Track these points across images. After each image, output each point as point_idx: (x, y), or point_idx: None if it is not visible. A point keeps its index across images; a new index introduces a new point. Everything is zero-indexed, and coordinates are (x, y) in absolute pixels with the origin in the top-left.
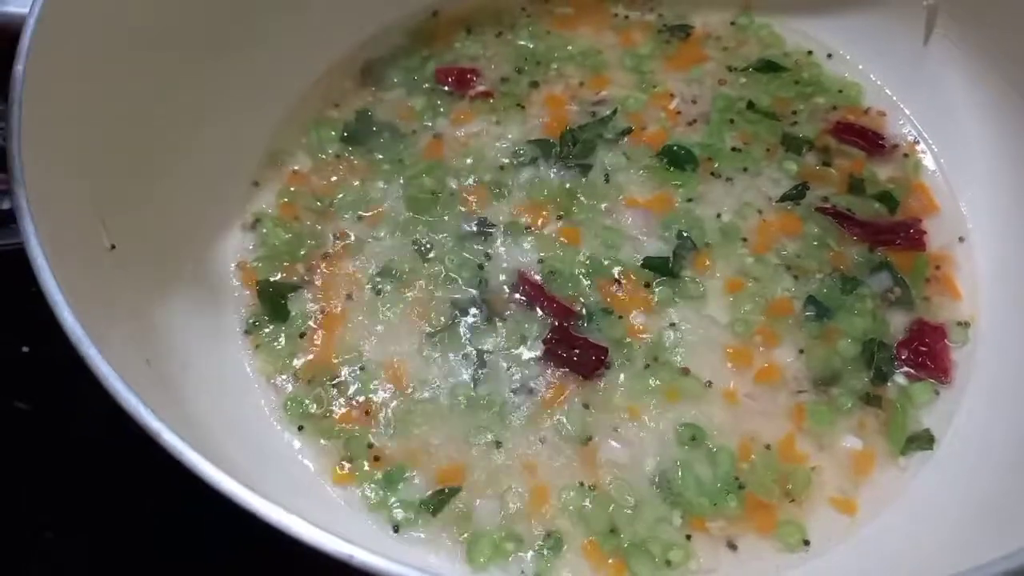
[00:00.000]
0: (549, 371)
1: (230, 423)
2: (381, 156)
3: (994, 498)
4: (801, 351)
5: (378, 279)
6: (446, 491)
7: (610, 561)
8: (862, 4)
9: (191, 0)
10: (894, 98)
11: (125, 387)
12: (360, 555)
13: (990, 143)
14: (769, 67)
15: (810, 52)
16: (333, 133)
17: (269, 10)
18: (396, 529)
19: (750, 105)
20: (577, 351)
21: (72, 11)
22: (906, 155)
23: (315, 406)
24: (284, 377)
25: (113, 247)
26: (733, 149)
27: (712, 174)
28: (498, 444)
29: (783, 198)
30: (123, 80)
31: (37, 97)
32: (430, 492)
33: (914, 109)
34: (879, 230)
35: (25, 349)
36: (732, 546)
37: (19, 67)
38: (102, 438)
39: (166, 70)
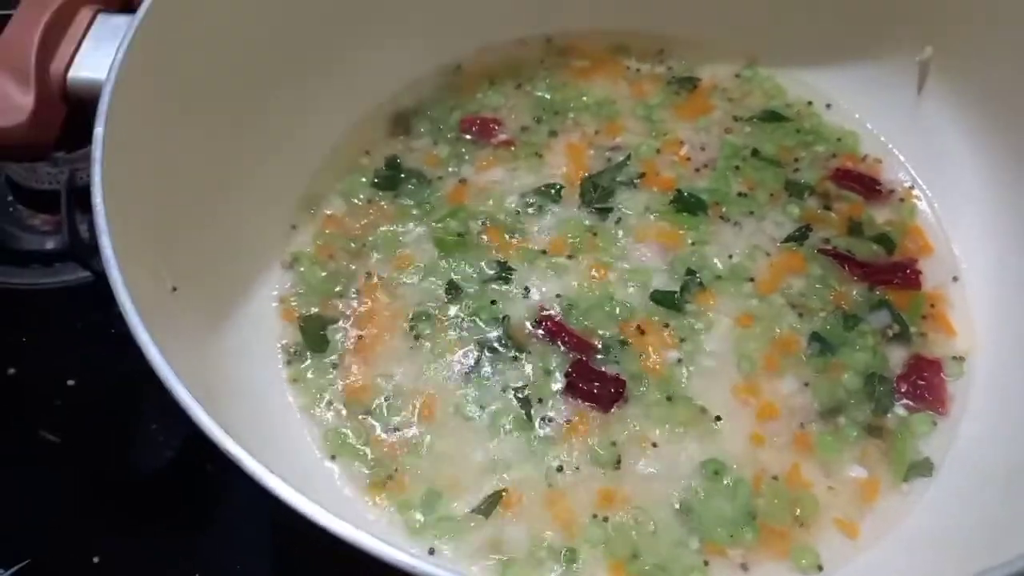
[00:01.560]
0: (572, 403)
1: (275, 450)
2: (410, 201)
3: (990, 517)
4: (806, 384)
5: (409, 315)
6: (492, 495)
7: None
8: (859, 58)
9: (236, 67)
10: (890, 146)
11: (207, 416)
12: (422, 566)
13: (981, 188)
14: (772, 117)
15: (811, 102)
16: (364, 180)
17: (304, 70)
18: (431, 552)
19: (755, 152)
20: (597, 384)
21: (140, 77)
22: (902, 200)
23: (351, 435)
24: (322, 408)
25: (175, 289)
26: (739, 194)
27: (721, 218)
28: (525, 473)
29: (787, 239)
30: (179, 139)
31: (114, 155)
32: (476, 503)
33: (909, 156)
34: (878, 270)
35: (71, 383)
36: (744, 567)
37: (99, 129)
38: (134, 472)
39: (215, 130)
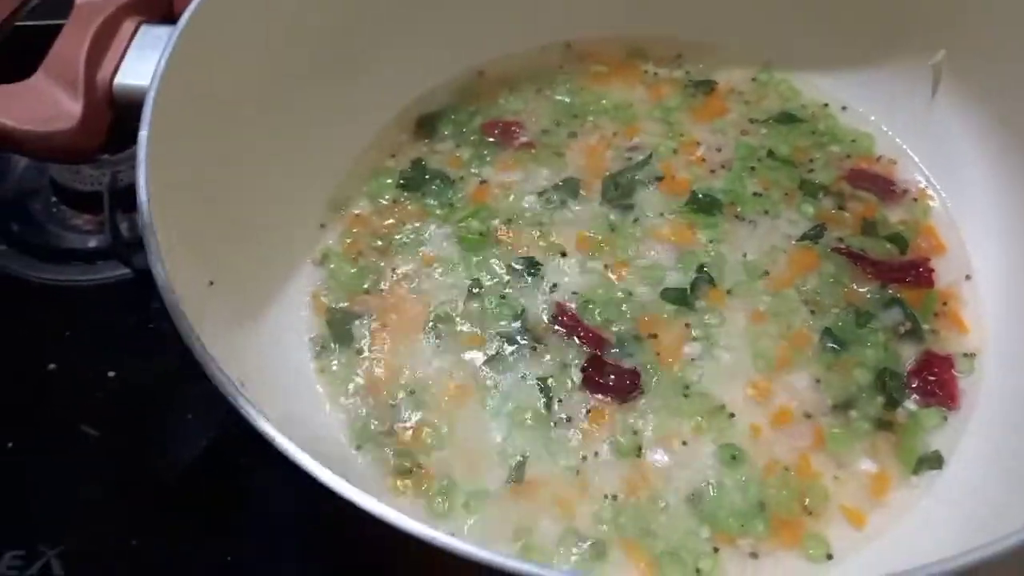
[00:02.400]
0: (589, 395)
1: (304, 437)
2: (433, 201)
3: (998, 509)
4: (818, 380)
5: (432, 310)
6: (516, 467)
7: (642, 565)
8: (874, 61)
9: (269, 74)
10: (904, 147)
11: (243, 399)
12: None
13: (994, 188)
14: (788, 119)
15: (826, 105)
16: (390, 181)
17: (334, 77)
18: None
19: (770, 153)
20: (613, 376)
21: (180, 83)
22: (915, 200)
23: (377, 425)
24: (348, 398)
25: (211, 283)
26: (754, 194)
27: (736, 217)
28: (544, 460)
29: (802, 237)
30: (216, 141)
31: (156, 156)
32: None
33: (923, 157)
34: (891, 268)
35: (111, 374)
36: (754, 555)
37: (143, 132)
38: (171, 462)
39: (250, 133)
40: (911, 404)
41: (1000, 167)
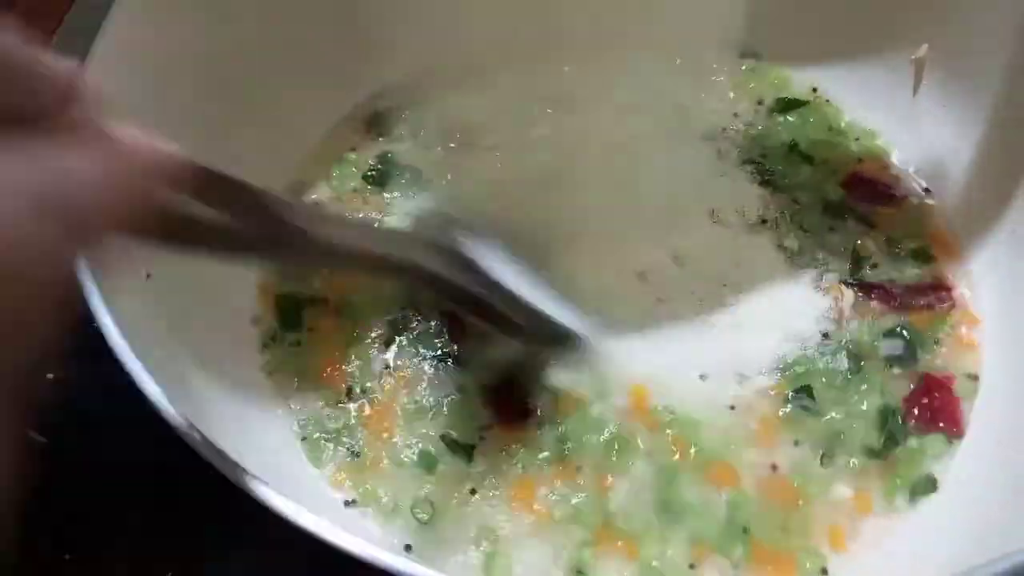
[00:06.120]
0: None
1: (250, 437)
2: (399, 194)
3: (991, 530)
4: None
5: (389, 305)
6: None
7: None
8: (855, 55)
9: (219, 55)
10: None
11: (173, 409)
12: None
13: (988, 194)
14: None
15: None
16: (355, 170)
17: (287, 66)
18: (408, 548)
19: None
20: None
21: (122, 68)
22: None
23: (328, 422)
24: (297, 393)
25: (149, 276)
26: None
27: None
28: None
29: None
30: (157, 122)
31: None
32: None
33: (909, 156)
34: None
35: (50, 376)
36: (736, 566)
37: None
38: (118, 468)
39: (198, 116)
40: (913, 441)
41: (993, 170)
